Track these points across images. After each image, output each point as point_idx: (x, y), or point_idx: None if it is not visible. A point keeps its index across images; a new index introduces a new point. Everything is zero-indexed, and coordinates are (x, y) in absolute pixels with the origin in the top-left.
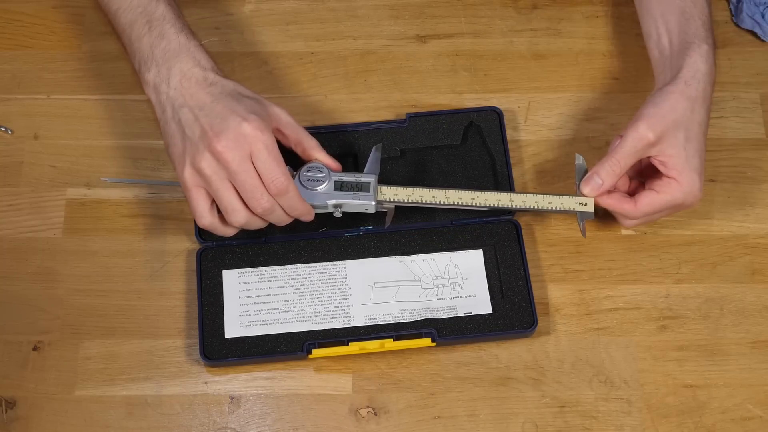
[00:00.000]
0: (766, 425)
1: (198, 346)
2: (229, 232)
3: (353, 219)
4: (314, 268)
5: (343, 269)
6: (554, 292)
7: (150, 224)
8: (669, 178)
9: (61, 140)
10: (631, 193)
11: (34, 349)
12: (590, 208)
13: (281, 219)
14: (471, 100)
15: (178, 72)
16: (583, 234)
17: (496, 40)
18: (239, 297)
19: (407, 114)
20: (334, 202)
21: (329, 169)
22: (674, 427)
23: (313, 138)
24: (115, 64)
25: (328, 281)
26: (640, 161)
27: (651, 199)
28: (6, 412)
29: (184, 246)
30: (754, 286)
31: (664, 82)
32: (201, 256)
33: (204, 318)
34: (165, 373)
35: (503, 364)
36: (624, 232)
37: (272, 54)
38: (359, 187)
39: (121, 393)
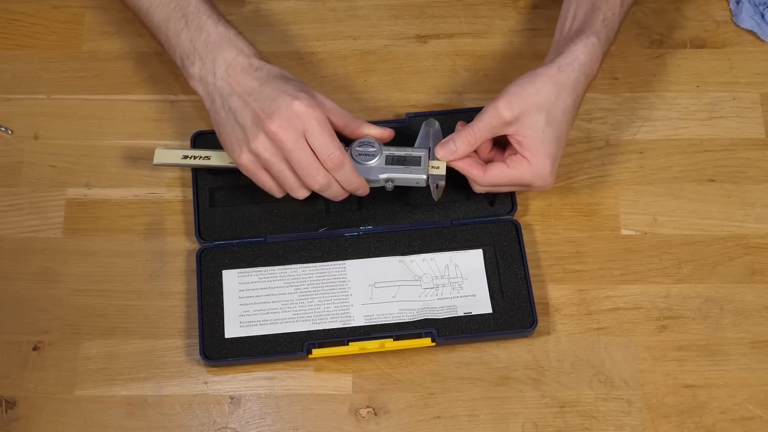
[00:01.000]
0: (766, 425)
1: (198, 346)
2: (305, 193)
3: (352, 220)
4: (314, 268)
5: (343, 269)
6: (554, 292)
7: (150, 224)
8: (522, 157)
9: (61, 140)
10: (489, 160)
11: (34, 349)
12: (442, 172)
13: (337, 194)
14: (471, 100)
15: (223, 62)
16: (435, 198)
17: (496, 40)
18: (239, 297)
19: (407, 114)
20: (386, 176)
21: (380, 144)
22: (674, 427)
23: (357, 118)
24: (115, 64)
25: (328, 281)
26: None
27: (500, 171)
28: (6, 412)
29: (184, 246)
30: (754, 286)
31: (542, 65)
32: (201, 256)
33: (204, 318)
34: (165, 373)
35: (503, 364)
36: (624, 232)
37: (272, 54)
38: (410, 161)
39: (121, 393)
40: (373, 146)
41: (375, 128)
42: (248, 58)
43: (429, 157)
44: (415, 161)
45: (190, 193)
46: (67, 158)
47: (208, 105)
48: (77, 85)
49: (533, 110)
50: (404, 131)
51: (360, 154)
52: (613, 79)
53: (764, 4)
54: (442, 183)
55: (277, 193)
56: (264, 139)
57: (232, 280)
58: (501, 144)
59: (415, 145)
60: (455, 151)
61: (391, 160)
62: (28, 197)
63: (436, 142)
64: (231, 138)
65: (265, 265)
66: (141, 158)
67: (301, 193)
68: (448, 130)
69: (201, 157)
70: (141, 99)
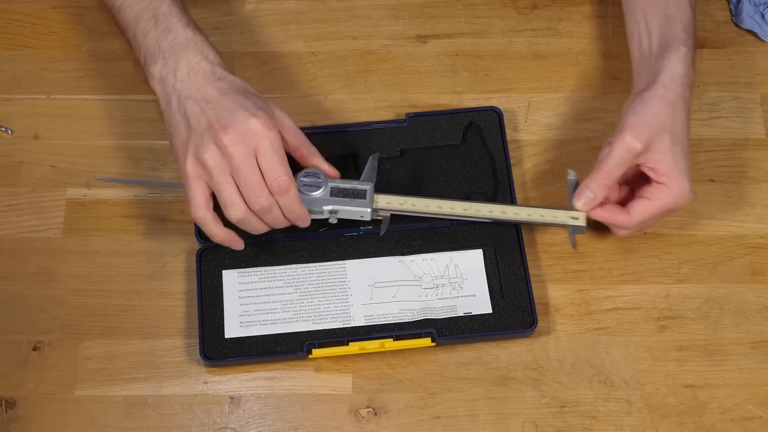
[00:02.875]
0: (766, 425)
1: (198, 346)
2: (218, 233)
3: (352, 220)
4: (314, 268)
5: (343, 269)
6: (554, 292)
7: (150, 224)
8: (659, 183)
9: (61, 140)
10: (622, 201)
11: (34, 349)
12: (582, 222)
13: (278, 220)
14: (471, 100)
15: (186, 65)
16: (574, 247)
17: (496, 40)
18: (239, 297)
19: (407, 114)
20: (330, 208)
21: (326, 175)
22: (674, 427)
23: (312, 145)
24: (115, 64)
25: (328, 281)
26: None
27: (644, 207)
28: (6, 412)
29: (184, 246)
30: (754, 286)
31: (642, 85)
32: (201, 256)
33: (204, 318)
34: (165, 373)
35: (503, 364)
36: (624, 232)
37: (272, 54)
38: (355, 194)
39: (121, 393)
40: (318, 177)
41: (324, 163)
42: (212, 66)
43: (373, 191)
44: (360, 194)
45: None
46: (67, 158)
47: (163, 106)
48: (77, 85)
49: (658, 134)
50: (404, 131)
51: (305, 185)
52: (613, 79)
53: (764, 4)
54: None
55: (200, 208)
56: (214, 148)
57: (232, 280)
58: (625, 183)
59: (361, 179)
60: (594, 198)
61: (336, 192)
62: (28, 197)
63: (572, 191)
64: (181, 140)
65: (265, 265)
66: (141, 158)
67: (234, 212)
68: (448, 129)
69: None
70: (141, 99)
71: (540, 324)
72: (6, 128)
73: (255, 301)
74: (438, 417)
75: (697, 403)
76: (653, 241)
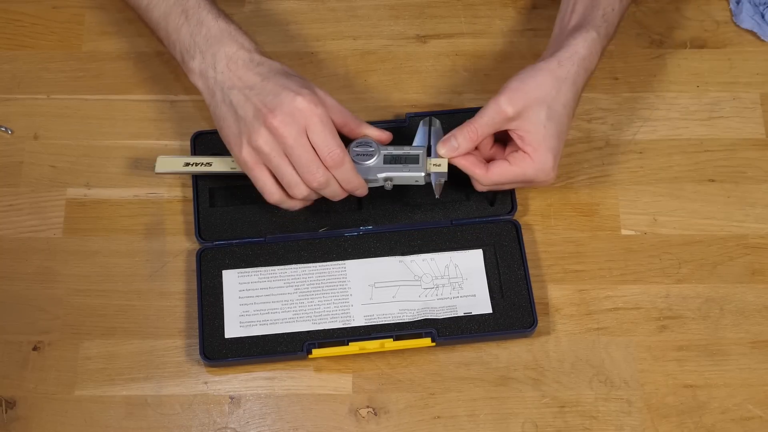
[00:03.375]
0: (766, 425)
1: (198, 346)
2: (295, 205)
3: (352, 221)
4: (314, 268)
5: (343, 269)
6: (554, 292)
7: (150, 224)
8: (524, 152)
9: (61, 140)
10: (491, 157)
11: (34, 349)
12: (444, 169)
13: (336, 193)
14: (471, 100)
15: (224, 56)
16: (437, 195)
17: (496, 40)
18: (239, 297)
19: (407, 114)
20: (384, 175)
21: (378, 144)
22: (674, 427)
23: (358, 118)
24: (115, 64)
25: (328, 281)
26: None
27: (502, 169)
28: (6, 412)
29: (184, 246)
30: (754, 286)
31: (545, 57)
32: (201, 256)
33: (204, 318)
34: (165, 373)
35: (503, 364)
36: (624, 232)
37: (272, 54)
38: (409, 160)
39: (121, 393)
40: (371, 146)
41: (374, 129)
42: (249, 53)
43: (428, 155)
44: (413, 159)
45: (190, 193)
46: (67, 158)
47: (208, 100)
48: (77, 85)
49: (535, 105)
50: (404, 131)
51: (358, 154)
52: (613, 79)
53: (764, 4)
54: (444, 180)
55: (273, 193)
56: (265, 133)
57: (232, 280)
58: (502, 141)
59: (414, 144)
60: (457, 147)
61: (390, 159)
62: (28, 197)
63: (437, 140)
64: (231, 131)
65: (265, 265)
66: (141, 158)
67: (299, 191)
68: (448, 130)
69: (202, 163)
70: (141, 99)
71: (540, 324)
72: (6, 128)
73: (255, 301)
74: (438, 417)
75: (697, 403)
76: (653, 241)
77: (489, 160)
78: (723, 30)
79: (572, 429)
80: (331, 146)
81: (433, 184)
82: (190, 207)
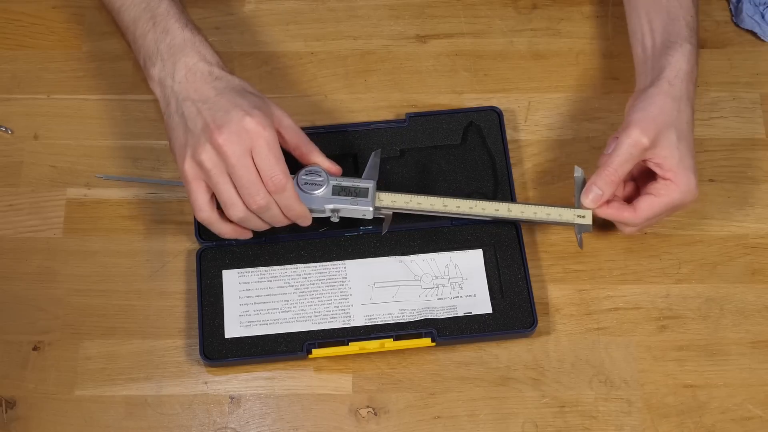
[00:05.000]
0: (766, 425)
1: (198, 346)
2: (225, 230)
3: (352, 221)
4: (314, 268)
5: (343, 269)
6: (554, 292)
7: (150, 224)
8: (665, 179)
9: (61, 140)
10: (628, 198)
11: (34, 349)
12: (588, 221)
13: (277, 219)
14: (471, 100)
15: (183, 66)
16: (580, 246)
17: (496, 40)
18: (239, 297)
19: (407, 114)
20: (331, 206)
21: (328, 173)
22: (674, 427)
23: (311, 142)
24: (115, 64)
25: (328, 281)
26: None
27: (650, 203)
28: (6, 412)
29: (184, 246)
30: (754, 286)
31: (646, 82)
32: (201, 256)
33: (204, 318)
34: (165, 373)
35: (503, 364)
36: (630, 229)
37: (272, 54)
38: (357, 193)
39: (121, 393)
40: (320, 176)
41: (325, 159)
42: (209, 66)
43: (375, 189)
44: (362, 193)
45: None
46: (67, 158)
47: (163, 108)
48: (77, 85)
49: (664, 129)
50: (404, 131)
51: (306, 183)
52: (613, 79)
53: (764, 4)
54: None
55: (204, 210)
56: (210, 149)
57: (232, 280)
58: (631, 179)
59: (363, 176)
60: (602, 195)
61: (339, 191)
62: (28, 197)
63: (580, 189)
64: (179, 142)
65: (265, 265)
66: (141, 158)
67: (235, 212)
68: (448, 129)
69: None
70: (141, 99)
71: (540, 324)
72: (6, 128)
73: (255, 301)
74: (438, 417)
75: (697, 403)
76: (653, 241)
77: (629, 201)
78: (723, 30)
79: (572, 429)
80: (274, 170)
81: (576, 235)
82: (190, 207)
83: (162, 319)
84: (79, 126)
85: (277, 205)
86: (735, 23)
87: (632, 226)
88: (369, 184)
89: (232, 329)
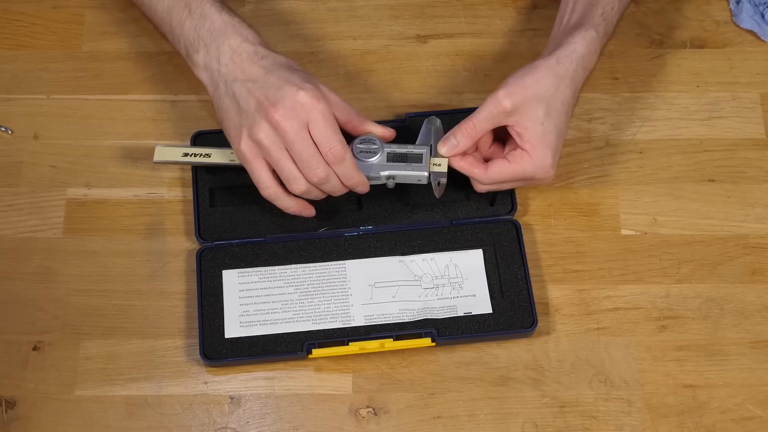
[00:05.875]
0: (766, 425)
1: (198, 346)
2: (289, 204)
3: (352, 221)
4: (314, 268)
5: (343, 269)
6: (554, 292)
7: (150, 224)
8: (522, 149)
9: (61, 140)
10: (489, 157)
11: (34, 349)
12: (444, 169)
13: (336, 188)
14: (471, 100)
15: (228, 49)
16: (437, 195)
17: (496, 40)
18: (239, 297)
19: (407, 114)
20: (387, 173)
21: (382, 141)
22: (674, 427)
23: (361, 114)
24: (115, 64)
25: (328, 281)
26: (504, 127)
27: (501, 167)
28: (6, 412)
29: (184, 246)
30: (754, 286)
31: (541, 57)
32: (201, 256)
33: (204, 318)
34: (165, 373)
35: (503, 364)
36: (624, 232)
37: None
38: (412, 159)
39: (121, 393)
40: (374, 143)
41: (377, 126)
42: (253, 46)
43: (431, 154)
44: (416, 158)
45: (190, 193)
46: (67, 158)
47: (211, 92)
48: (77, 85)
49: (533, 101)
50: (404, 131)
51: (361, 151)
52: (613, 79)
53: (764, 4)
54: (444, 180)
55: (269, 186)
56: (266, 126)
57: (232, 280)
58: (501, 141)
59: (417, 143)
60: (457, 145)
61: (393, 158)
62: (28, 197)
63: (438, 139)
64: (233, 123)
65: (265, 265)
66: (141, 158)
67: (297, 186)
68: (448, 130)
69: (201, 154)
70: (141, 99)
71: (540, 324)
72: (6, 128)
73: (255, 301)
74: (438, 417)
75: (697, 403)
76: (653, 241)
77: (488, 161)
78: (723, 30)
79: (572, 429)
80: (332, 142)
81: (432, 184)
82: (190, 207)
83: (162, 319)
84: (79, 126)
85: (336, 175)
86: (735, 23)
87: (482, 184)
88: (423, 150)
89: (232, 329)
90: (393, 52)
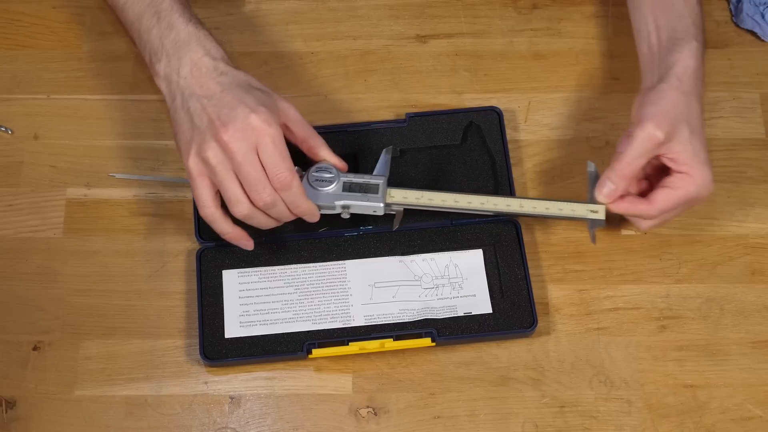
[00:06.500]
0: (766, 425)
1: (198, 346)
2: (227, 229)
3: (354, 219)
4: (314, 268)
5: (343, 269)
6: (554, 292)
7: (150, 224)
8: (680, 173)
9: (61, 140)
10: (641, 195)
11: (34, 349)
12: (602, 216)
13: (283, 215)
14: (471, 100)
15: (189, 62)
16: (593, 241)
17: (496, 40)
18: (239, 297)
19: (407, 114)
20: (342, 203)
21: (337, 169)
22: (674, 427)
23: (320, 137)
24: (115, 64)
25: (328, 281)
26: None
27: (666, 195)
28: (6, 412)
29: (184, 246)
30: (754, 286)
31: (653, 80)
32: (201, 256)
33: (204, 318)
34: (165, 373)
35: (503, 364)
36: (624, 232)
37: (272, 54)
38: (368, 189)
39: (121, 393)
40: (330, 172)
41: (332, 155)
42: (215, 61)
43: (386, 185)
44: (373, 189)
45: (189, 193)
46: (67, 158)
47: (169, 103)
48: (77, 85)
49: (677, 124)
50: (404, 131)
51: (317, 180)
52: (613, 79)
53: (764, 4)
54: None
55: (208, 206)
56: (215, 146)
57: (232, 280)
58: (644, 178)
59: (374, 173)
60: (615, 189)
61: (349, 187)
62: (28, 197)
63: (593, 183)
64: (184, 138)
65: (265, 265)
66: (141, 158)
67: (239, 209)
68: (448, 129)
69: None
70: (141, 99)
71: (540, 324)
72: (6, 128)
73: (255, 301)
74: (438, 417)
75: (697, 403)
76: (653, 241)
77: (643, 196)
78: (723, 30)
79: (572, 429)
80: (279, 168)
81: (589, 231)
82: (190, 207)
83: (162, 319)
84: (79, 126)
85: (284, 201)
86: (735, 23)
87: (648, 219)
88: (380, 181)
89: (232, 329)
90: (393, 52)
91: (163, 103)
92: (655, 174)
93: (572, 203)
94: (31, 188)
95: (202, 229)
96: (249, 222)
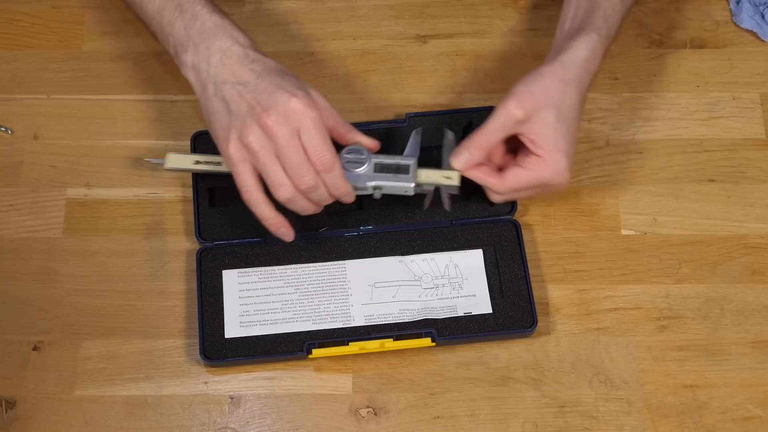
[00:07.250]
0: (766, 425)
1: (198, 346)
2: (267, 214)
3: (354, 219)
4: (314, 268)
5: (343, 269)
6: (554, 292)
7: (150, 224)
8: (536, 156)
9: (61, 140)
10: (503, 167)
11: (34, 349)
12: (455, 182)
13: (323, 197)
14: (471, 100)
15: (218, 50)
16: (448, 209)
17: (496, 40)
18: (239, 297)
19: (407, 114)
20: (373, 183)
21: (369, 151)
22: (674, 427)
23: (348, 123)
24: (115, 64)
25: (328, 281)
26: (516, 137)
27: (517, 175)
28: (6, 412)
29: (184, 246)
30: (754, 286)
31: (545, 63)
32: (201, 256)
33: (204, 318)
34: (165, 373)
35: (503, 364)
36: (624, 232)
37: (272, 54)
38: (399, 170)
39: (121, 393)
40: (362, 154)
41: (363, 136)
42: (244, 48)
43: (416, 165)
44: (404, 169)
45: (190, 193)
46: (67, 158)
47: (199, 93)
48: (77, 85)
49: (543, 107)
50: (404, 132)
51: (349, 161)
52: (613, 79)
53: (764, 4)
54: (456, 194)
55: (252, 190)
56: (258, 131)
57: (232, 280)
58: (512, 152)
59: (404, 153)
60: (470, 157)
61: (380, 168)
62: (28, 197)
63: (450, 152)
64: (221, 126)
65: (265, 265)
66: (141, 158)
67: (283, 193)
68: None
69: (213, 162)
70: (141, 99)
71: (540, 324)
72: (6, 128)
73: (255, 301)
74: (438, 417)
75: (697, 403)
76: (653, 241)
77: (501, 170)
78: (723, 30)
79: (572, 429)
80: (322, 150)
81: (443, 197)
82: (190, 207)
83: (162, 319)
84: (79, 126)
85: (324, 184)
86: (735, 23)
87: (497, 193)
88: (410, 161)
89: (232, 329)
90: (393, 52)
91: (164, 103)
92: (522, 151)
93: (428, 170)
94: (31, 188)
95: (202, 229)
96: (290, 206)
